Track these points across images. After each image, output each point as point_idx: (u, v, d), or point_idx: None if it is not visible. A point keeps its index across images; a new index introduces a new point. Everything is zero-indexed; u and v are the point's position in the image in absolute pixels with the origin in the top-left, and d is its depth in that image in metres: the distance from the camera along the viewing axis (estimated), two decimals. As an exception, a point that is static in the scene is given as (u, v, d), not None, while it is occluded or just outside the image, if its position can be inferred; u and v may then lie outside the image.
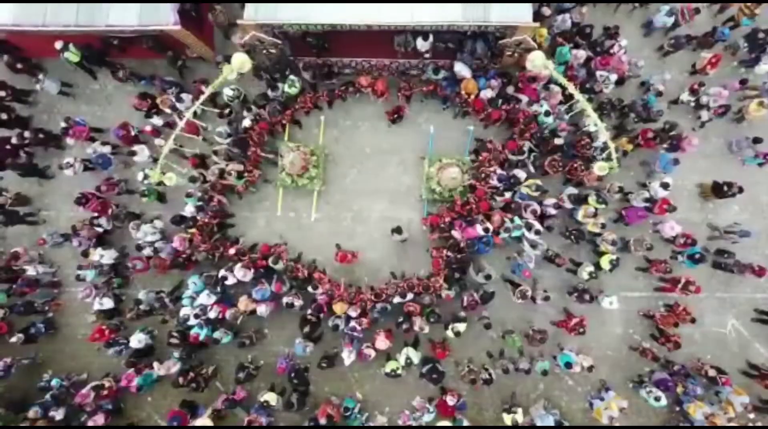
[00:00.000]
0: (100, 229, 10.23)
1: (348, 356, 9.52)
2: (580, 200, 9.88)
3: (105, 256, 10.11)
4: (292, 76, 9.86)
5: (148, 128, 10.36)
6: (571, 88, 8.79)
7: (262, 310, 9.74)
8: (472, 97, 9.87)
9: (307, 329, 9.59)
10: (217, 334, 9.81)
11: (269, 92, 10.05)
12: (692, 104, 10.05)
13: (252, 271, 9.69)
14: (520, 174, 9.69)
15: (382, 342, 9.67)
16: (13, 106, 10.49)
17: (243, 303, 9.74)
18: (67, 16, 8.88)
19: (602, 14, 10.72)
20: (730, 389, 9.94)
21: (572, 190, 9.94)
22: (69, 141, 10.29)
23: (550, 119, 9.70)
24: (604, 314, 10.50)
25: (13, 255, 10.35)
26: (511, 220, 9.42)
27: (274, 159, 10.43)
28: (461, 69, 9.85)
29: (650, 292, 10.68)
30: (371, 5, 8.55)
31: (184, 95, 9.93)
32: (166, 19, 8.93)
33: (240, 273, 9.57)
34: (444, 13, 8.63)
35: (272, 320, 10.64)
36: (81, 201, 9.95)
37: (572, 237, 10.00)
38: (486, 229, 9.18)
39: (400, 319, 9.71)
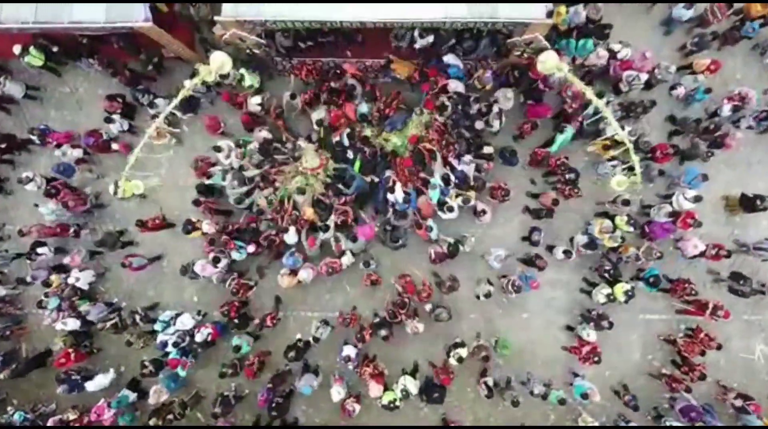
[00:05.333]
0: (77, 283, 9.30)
1: (337, 393, 8.71)
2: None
3: (81, 280, 9.25)
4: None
5: (116, 146, 9.57)
6: (589, 93, 7.89)
7: (304, 276, 9.02)
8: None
9: (292, 354, 8.80)
10: (236, 341, 9.00)
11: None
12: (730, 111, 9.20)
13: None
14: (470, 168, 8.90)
15: (375, 388, 8.80)
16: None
17: (285, 279, 9.01)
18: (25, 11, 7.94)
19: (618, 9, 9.73)
20: (758, 417, 9.02)
21: None
22: (49, 139, 9.48)
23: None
24: (620, 338, 9.64)
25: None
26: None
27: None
28: (450, 59, 8.95)
29: (671, 314, 9.78)
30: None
31: (158, 101, 9.03)
32: (136, 15, 8.01)
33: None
34: (447, 10, 7.70)
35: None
36: (51, 193, 9.14)
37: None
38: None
39: (377, 321, 8.96)
